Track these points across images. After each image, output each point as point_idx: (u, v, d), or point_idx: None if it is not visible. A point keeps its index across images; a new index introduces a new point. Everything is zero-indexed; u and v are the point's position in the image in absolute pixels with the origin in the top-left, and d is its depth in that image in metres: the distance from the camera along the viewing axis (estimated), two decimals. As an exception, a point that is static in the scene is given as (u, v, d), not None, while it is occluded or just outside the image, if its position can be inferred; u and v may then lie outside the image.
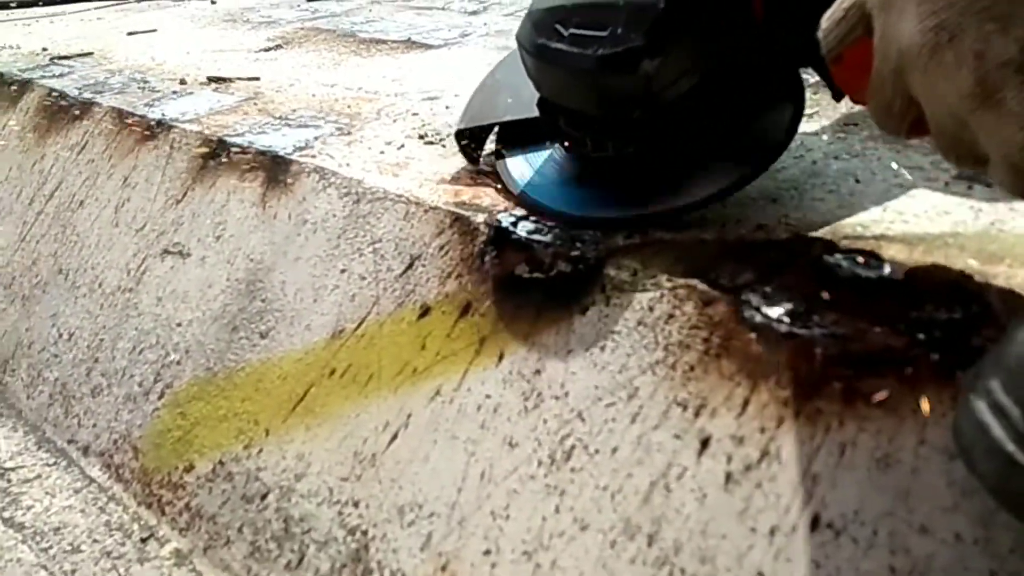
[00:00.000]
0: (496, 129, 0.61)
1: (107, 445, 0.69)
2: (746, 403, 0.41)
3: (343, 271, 0.60)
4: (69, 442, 0.72)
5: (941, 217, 0.49)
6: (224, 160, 0.74)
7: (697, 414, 0.42)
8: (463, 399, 0.50)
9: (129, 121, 0.86)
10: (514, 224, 0.54)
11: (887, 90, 0.35)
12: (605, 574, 0.42)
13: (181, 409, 0.64)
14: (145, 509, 0.63)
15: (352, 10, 1.34)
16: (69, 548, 0.61)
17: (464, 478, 0.48)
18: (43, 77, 1.04)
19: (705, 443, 0.41)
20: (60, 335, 0.78)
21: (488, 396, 0.49)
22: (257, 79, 0.95)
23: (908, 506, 0.35)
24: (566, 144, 0.54)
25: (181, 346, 0.67)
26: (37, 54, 1.18)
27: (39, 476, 0.69)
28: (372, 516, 0.51)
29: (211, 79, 0.95)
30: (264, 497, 0.56)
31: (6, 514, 0.65)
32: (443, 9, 1.29)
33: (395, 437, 0.52)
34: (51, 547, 0.62)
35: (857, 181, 0.54)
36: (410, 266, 0.57)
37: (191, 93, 0.92)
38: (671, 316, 0.45)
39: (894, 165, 0.54)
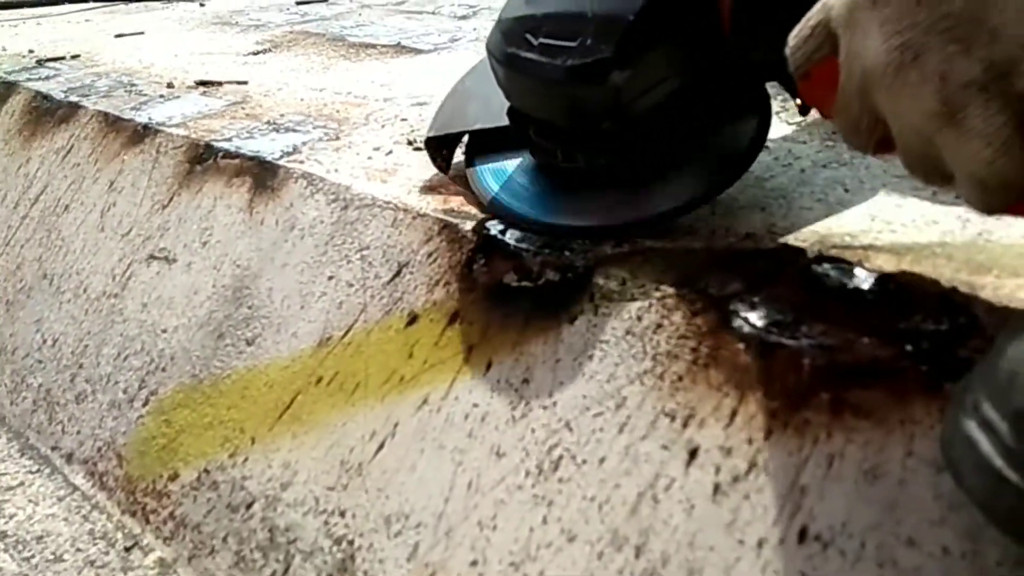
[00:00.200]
0: (466, 137, 0.61)
1: (91, 452, 0.68)
2: (734, 414, 0.41)
3: (330, 278, 0.60)
4: (53, 449, 0.71)
5: (929, 227, 0.49)
6: (211, 165, 0.74)
7: (685, 425, 0.42)
8: (451, 408, 0.50)
9: (115, 125, 0.85)
10: (502, 232, 0.54)
11: (853, 108, 0.35)
12: (592, 586, 0.41)
13: (166, 416, 0.64)
14: (129, 518, 0.62)
15: (342, 14, 1.33)
16: (52, 557, 0.61)
17: (451, 488, 0.48)
18: (29, 80, 1.03)
19: (693, 454, 0.41)
20: (44, 341, 0.78)
21: (476, 405, 0.49)
22: (245, 83, 0.94)
23: (896, 518, 0.35)
24: (536, 153, 0.54)
25: (166, 353, 0.67)
26: (23, 56, 1.17)
27: (22, 483, 0.68)
28: (358, 526, 0.50)
29: (199, 83, 0.95)
30: (249, 506, 0.56)
31: (-12, 523, 0.64)
32: (433, 14, 1.29)
33: (382, 446, 0.52)
34: (33, 556, 0.61)
35: (846, 190, 0.54)
36: (398, 273, 0.57)
37: (178, 97, 0.91)
38: (659, 326, 0.45)
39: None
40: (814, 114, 0.43)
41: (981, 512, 0.29)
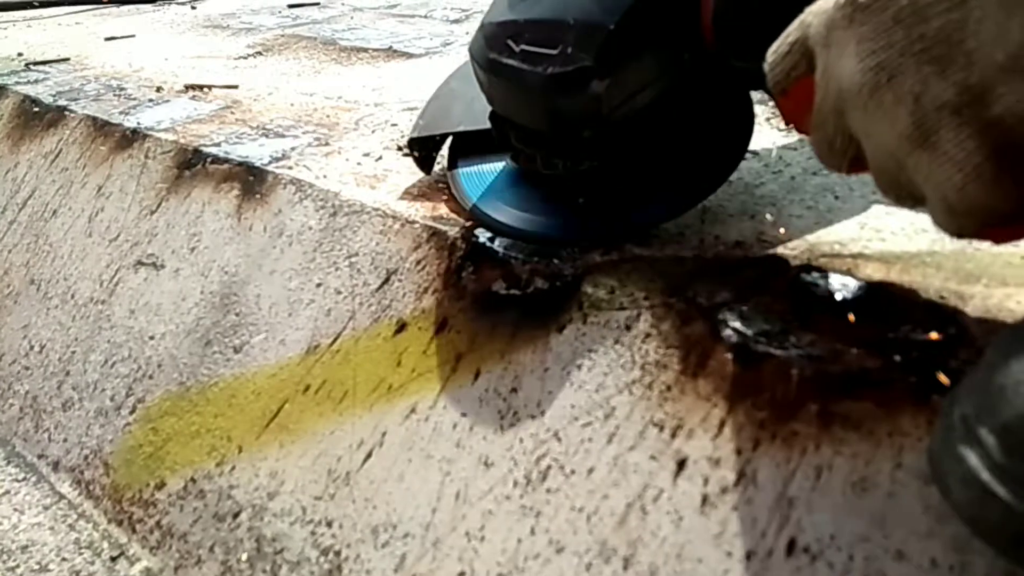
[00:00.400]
0: (449, 140, 0.60)
1: (78, 460, 0.68)
2: (722, 424, 0.40)
3: (319, 285, 0.59)
4: (39, 457, 0.71)
5: (918, 235, 0.48)
6: (199, 170, 0.73)
7: (674, 435, 0.41)
8: (439, 417, 0.49)
9: (104, 129, 0.84)
10: (491, 239, 0.53)
11: (828, 127, 0.35)
12: (580, 597, 0.41)
13: (153, 424, 0.63)
14: (115, 527, 0.62)
15: (334, 17, 1.33)
16: (37, 567, 0.60)
17: (439, 498, 0.47)
18: (18, 83, 1.03)
19: (681, 465, 0.41)
20: (31, 347, 0.77)
21: (464, 414, 0.49)
22: (235, 87, 0.94)
23: (884, 531, 0.35)
24: (518, 159, 0.53)
25: (154, 360, 0.66)
26: (12, 59, 1.17)
27: (7, 492, 0.68)
28: (346, 536, 0.50)
29: (188, 86, 0.94)
30: (236, 516, 0.55)
31: (-28, 532, 0.64)
32: (426, 17, 1.29)
33: (370, 455, 0.51)
34: (18, 566, 0.60)
35: (836, 197, 0.54)
36: (386, 281, 0.56)
37: (168, 101, 0.90)
38: (648, 335, 0.44)
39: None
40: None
41: (968, 526, 0.29)
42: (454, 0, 1.43)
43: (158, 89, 0.95)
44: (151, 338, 0.67)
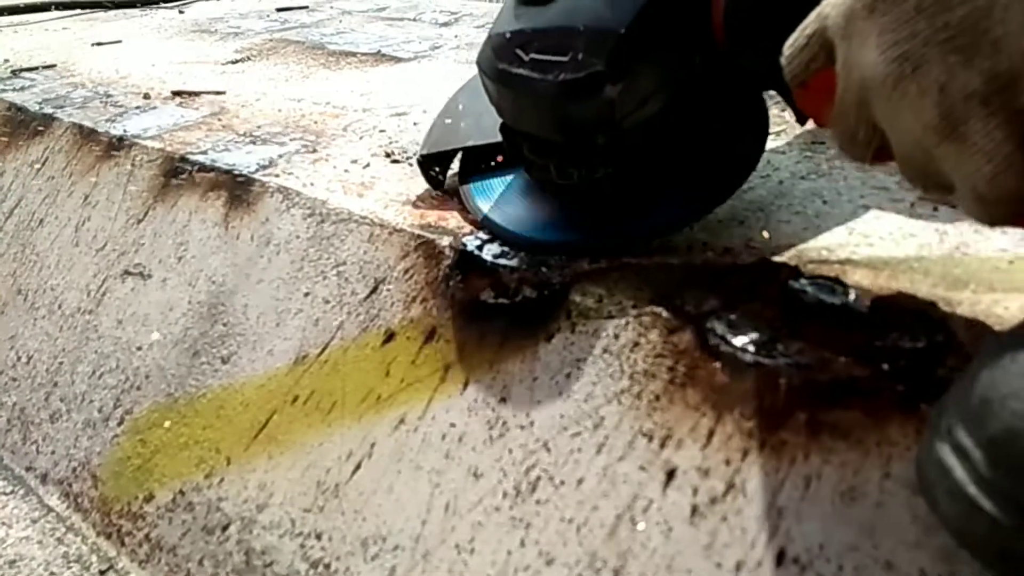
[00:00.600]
0: (460, 154, 0.60)
1: (66, 473, 0.67)
2: (711, 434, 0.40)
3: (306, 294, 0.59)
4: (27, 469, 0.70)
5: (906, 240, 0.48)
6: (186, 178, 0.73)
7: (663, 445, 0.41)
8: (428, 428, 0.49)
9: (90, 137, 0.84)
10: (479, 248, 0.53)
11: (851, 119, 0.34)
12: (571, 609, 0.41)
13: (141, 436, 0.63)
14: (104, 540, 0.61)
15: (322, 21, 1.32)
16: (25, 581, 0.59)
17: (428, 510, 0.47)
18: (3, 91, 1.02)
19: (671, 475, 0.41)
20: (19, 358, 0.76)
21: (453, 425, 0.48)
22: (223, 93, 0.93)
23: (873, 541, 0.35)
24: (530, 170, 0.53)
25: (141, 371, 0.66)
26: (-2, 66, 1.16)
27: (-5, 505, 0.67)
28: (335, 549, 0.50)
29: (176, 93, 0.94)
30: (225, 528, 0.55)
31: (-40, 546, 0.63)
32: (414, 20, 1.29)
33: (359, 467, 0.51)
34: (6, 581, 0.60)
35: (824, 202, 0.54)
36: (375, 290, 0.56)
37: (155, 108, 0.90)
38: (636, 344, 0.44)
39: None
40: (792, 123, 0.43)
41: (954, 538, 0.29)
42: (443, 3, 1.43)
43: (145, 96, 0.94)
44: (139, 349, 0.67)
